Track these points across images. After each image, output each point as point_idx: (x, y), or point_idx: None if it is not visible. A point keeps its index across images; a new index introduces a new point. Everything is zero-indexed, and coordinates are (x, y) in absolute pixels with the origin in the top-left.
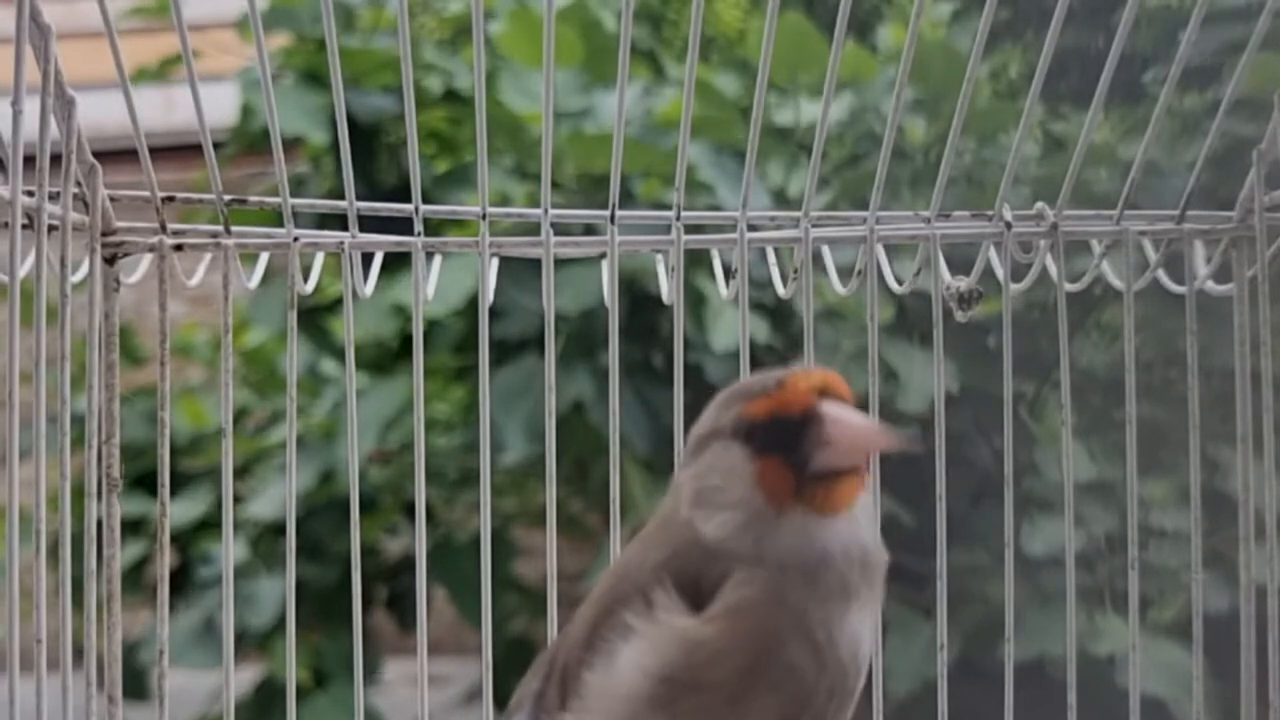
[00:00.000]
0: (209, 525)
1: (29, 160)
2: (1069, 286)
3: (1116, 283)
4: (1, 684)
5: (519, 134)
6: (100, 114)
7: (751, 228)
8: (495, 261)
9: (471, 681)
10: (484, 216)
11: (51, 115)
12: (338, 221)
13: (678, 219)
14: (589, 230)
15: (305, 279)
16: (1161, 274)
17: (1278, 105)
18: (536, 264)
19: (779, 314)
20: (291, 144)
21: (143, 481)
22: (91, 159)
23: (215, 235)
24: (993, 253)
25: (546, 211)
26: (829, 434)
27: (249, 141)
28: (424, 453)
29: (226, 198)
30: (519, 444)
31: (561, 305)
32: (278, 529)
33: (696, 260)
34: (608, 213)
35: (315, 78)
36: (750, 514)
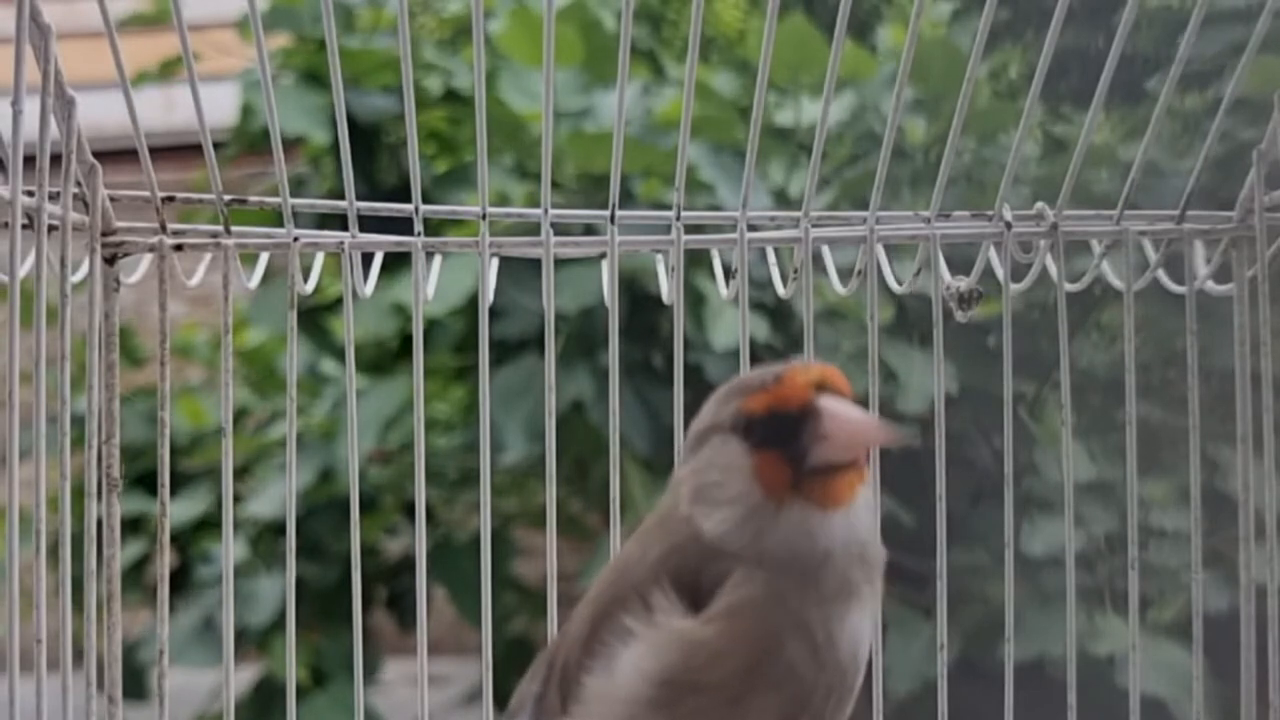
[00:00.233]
0: (209, 524)
1: (29, 160)
2: (1069, 286)
3: (1116, 283)
4: (1, 684)
5: (519, 133)
6: (100, 114)
7: (751, 228)
8: (495, 261)
9: (471, 681)
10: (484, 216)
11: (51, 115)
12: (338, 221)
13: (678, 219)
14: (589, 230)
15: (305, 279)
16: (1161, 274)
17: (1278, 106)
18: (536, 263)
19: (779, 314)
20: (291, 144)
21: (143, 481)
22: (91, 159)
23: (215, 235)
24: (993, 253)
25: (546, 211)
26: (826, 428)
27: (249, 142)
28: (424, 453)
29: (226, 198)
30: (519, 444)
31: (561, 305)
32: (278, 528)
33: (696, 259)
34: (608, 213)
35: (315, 78)
36: (749, 509)
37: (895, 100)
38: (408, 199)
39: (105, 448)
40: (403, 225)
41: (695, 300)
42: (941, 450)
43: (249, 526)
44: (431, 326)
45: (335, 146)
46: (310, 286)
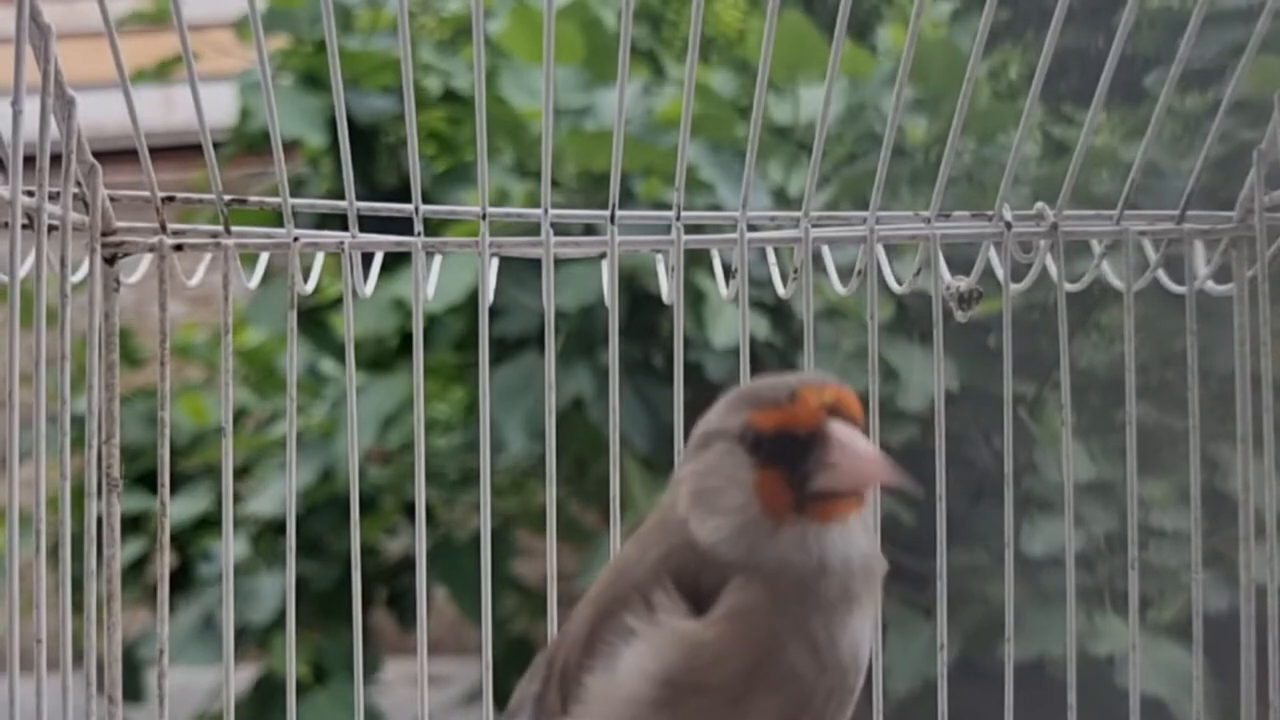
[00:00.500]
0: (209, 523)
1: (29, 160)
2: (1069, 286)
3: (1116, 283)
4: (1, 684)
5: (519, 133)
6: (100, 114)
7: (751, 228)
8: (495, 261)
9: (471, 681)
10: (484, 216)
11: (51, 115)
12: (337, 221)
13: (678, 219)
14: (589, 230)
15: (305, 279)
16: (1161, 274)
17: (1278, 106)
18: (537, 262)
19: (779, 312)
20: (290, 145)
21: (144, 480)
22: (91, 159)
23: (215, 235)
24: (993, 253)
25: (546, 211)
26: (834, 457)
27: (248, 142)
28: (424, 453)
29: (226, 198)
30: (519, 441)
31: (561, 302)
32: (278, 526)
33: (697, 258)
34: (608, 213)
35: (313, 80)
36: (745, 522)
37: (895, 100)
38: (407, 199)
39: (105, 448)
40: (403, 225)
41: (695, 299)
42: (941, 450)
43: (250, 525)
44: (432, 324)
45: (333, 148)
46: (310, 286)
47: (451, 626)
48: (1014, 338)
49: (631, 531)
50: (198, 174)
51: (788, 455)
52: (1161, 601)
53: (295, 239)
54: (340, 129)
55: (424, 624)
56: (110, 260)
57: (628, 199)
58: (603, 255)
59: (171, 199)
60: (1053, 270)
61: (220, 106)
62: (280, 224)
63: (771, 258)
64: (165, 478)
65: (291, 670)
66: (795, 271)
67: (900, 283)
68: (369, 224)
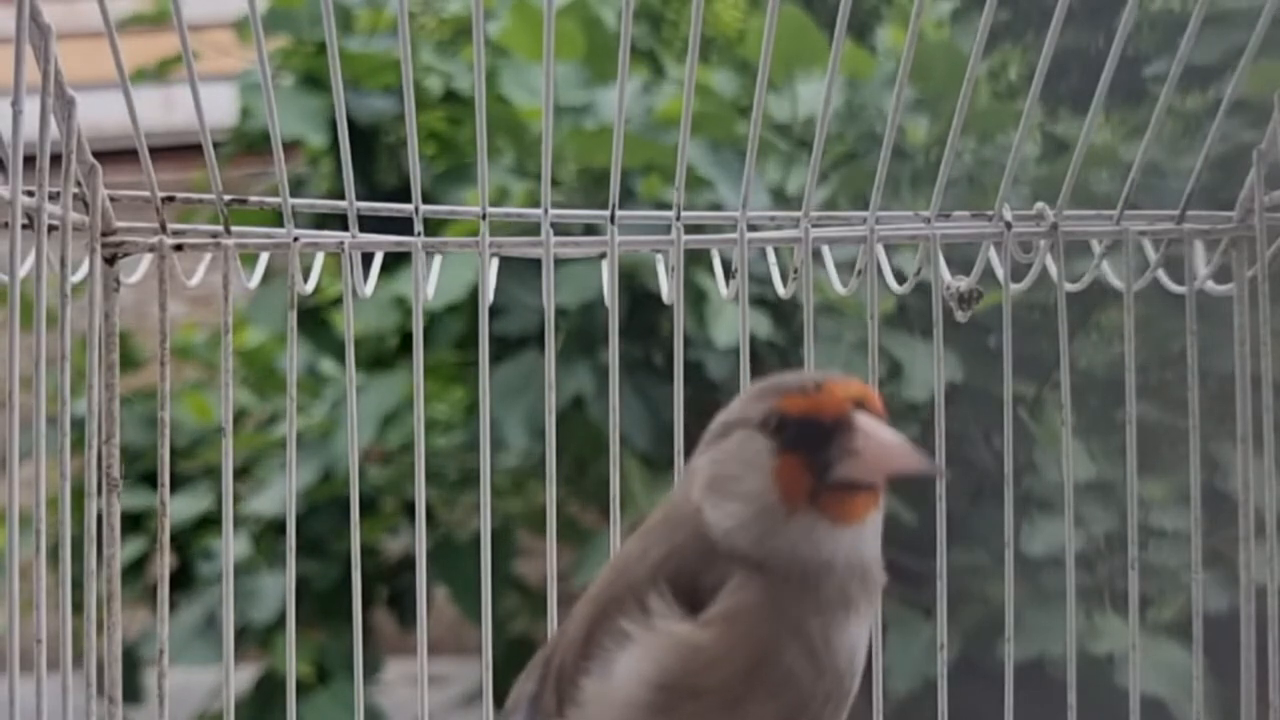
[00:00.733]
0: (210, 521)
1: (29, 160)
2: (1069, 286)
3: (1116, 283)
4: (1, 684)
5: (519, 133)
6: (100, 114)
7: (751, 227)
8: (495, 261)
9: (471, 681)
10: (484, 216)
11: (51, 115)
12: (338, 221)
13: (678, 219)
14: (589, 230)
15: (305, 279)
16: (1161, 274)
17: (1278, 106)
18: (537, 260)
19: (780, 310)
20: (290, 146)
21: (146, 478)
22: (91, 159)
23: (215, 235)
24: (993, 253)
25: (546, 212)
26: (859, 444)
27: (248, 142)
28: (424, 453)
29: (226, 198)
30: (520, 439)
31: (562, 301)
32: (279, 525)
33: (697, 256)
34: (608, 213)
35: (314, 80)
36: (760, 508)
37: (895, 100)
38: (408, 199)
39: (105, 448)
40: (403, 225)
41: (696, 297)
42: (941, 450)
43: (251, 524)
44: (432, 322)
45: (333, 149)
46: (310, 286)
47: (451, 626)
48: (1014, 338)
49: (632, 530)
50: (198, 174)
51: (811, 441)
52: (1161, 601)
53: (295, 239)
54: (340, 129)
55: (424, 624)
56: (110, 260)
57: (628, 198)
58: (603, 255)
59: (171, 199)
60: (1053, 270)
61: (220, 106)
62: (280, 224)
63: (771, 257)
64: (165, 478)
65: (291, 670)
66: (795, 271)
67: (901, 282)
68: (369, 224)
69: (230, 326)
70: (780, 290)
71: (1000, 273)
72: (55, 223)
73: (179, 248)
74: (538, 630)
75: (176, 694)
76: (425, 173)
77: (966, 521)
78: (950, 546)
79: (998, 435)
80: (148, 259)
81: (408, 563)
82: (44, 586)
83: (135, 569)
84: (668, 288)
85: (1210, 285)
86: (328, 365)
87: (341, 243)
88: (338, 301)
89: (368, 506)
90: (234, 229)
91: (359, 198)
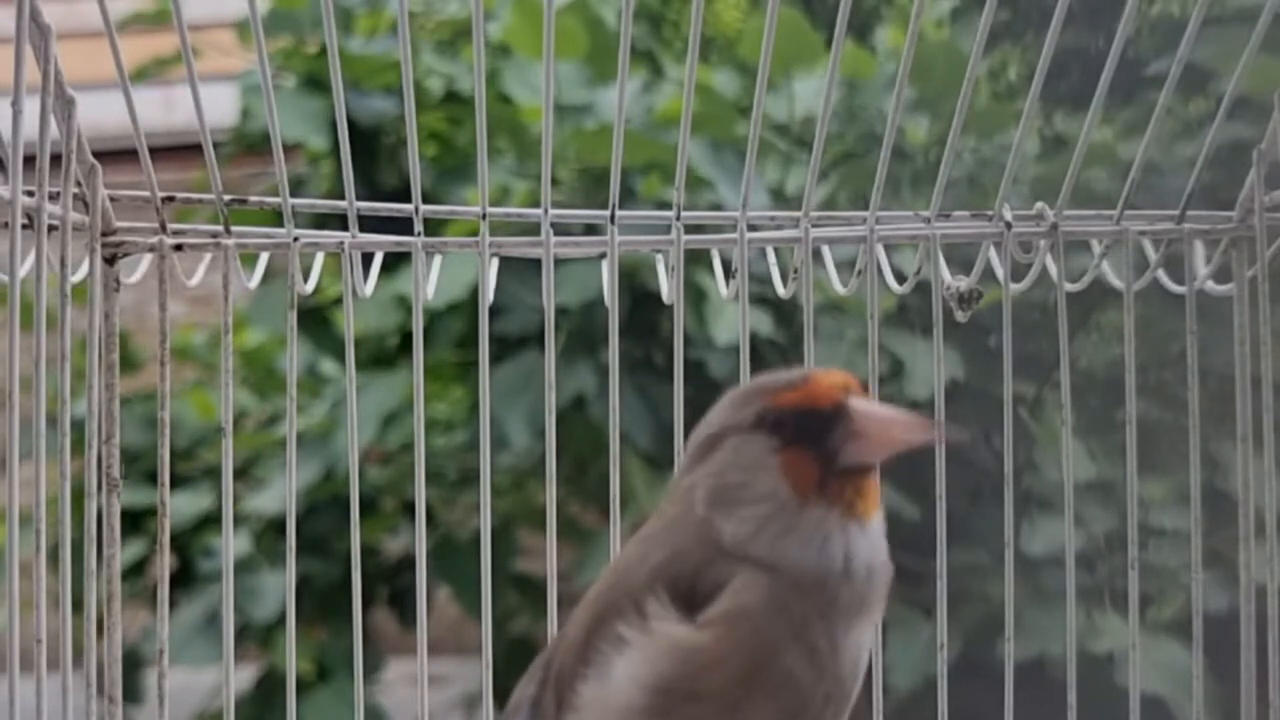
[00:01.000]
0: (211, 520)
1: (29, 160)
2: (1069, 286)
3: (1116, 283)
4: (1, 684)
5: (520, 133)
6: (100, 114)
7: (751, 227)
8: (495, 261)
9: (471, 681)
10: (484, 216)
11: (51, 115)
12: (338, 221)
13: (678, 219)
14: (589, 229)
15: (305, 279)
16: (1161, 274)
17: (1278, 105)
18: (537, 260)
19: (781, 308)
20: (290, 146)
21: (148, 476)
22: (91, 159)
23: (215, 235)
24: (993, 253)
25: (546, 212)
26: (861, 427)
27: (248, 142)
28: (424, 453)
29: (226, 198)
30: (521, 438)
31: (563, 300)
32: (280, 524)
33: (697, 255)
34: (608, 212)
35: (314, 82)
36: (775, 507)
37: (895, 100)
38: (408, 199)
39: (105, 448)
40: (403, 225)
41: (697, 297)
42: (941, 450)
43: (252, 522)
44: (432, 322)
45: (334, 150)
46: (310, 286)
47: (452, 626)
48: (1014, 337)
49: (633, 530)
50: (198, 174)
51: (812, 432)
52: (1161, 601)
53: (295, 239)
54: (340, 129)
55: (424, 624)
56: (110, 260)
57: (628, 198)
58: (603, 255)
59: (171, 199)
60: (1053, 270)
61: (220, 106)
62: (280, 224)
63: (771, 257)
64: (165, 477)
65: (291, 668)
66: (795, 271)
67: (901, 281)
68: (369, 224)
69: (230, 326)
70: (780, 290)
71: (1000, 273)
72: (55, 223)
73: (179, 248)
74: (538, 630)
75: (177, 693)
76: (426, 173)
77: (966, 521)
78: (950, 546)
79: (998, 435)
80: (148, 259)
81: (408, 562)
82: (44, 586)
83: (135, 569)
84: (668, 287)
85: (1210, 285)
86: (328, 365)
87: (341, 243)
88: (338, 301)
89: (368, 506)
90: (234, 229)
91: (359, 198)
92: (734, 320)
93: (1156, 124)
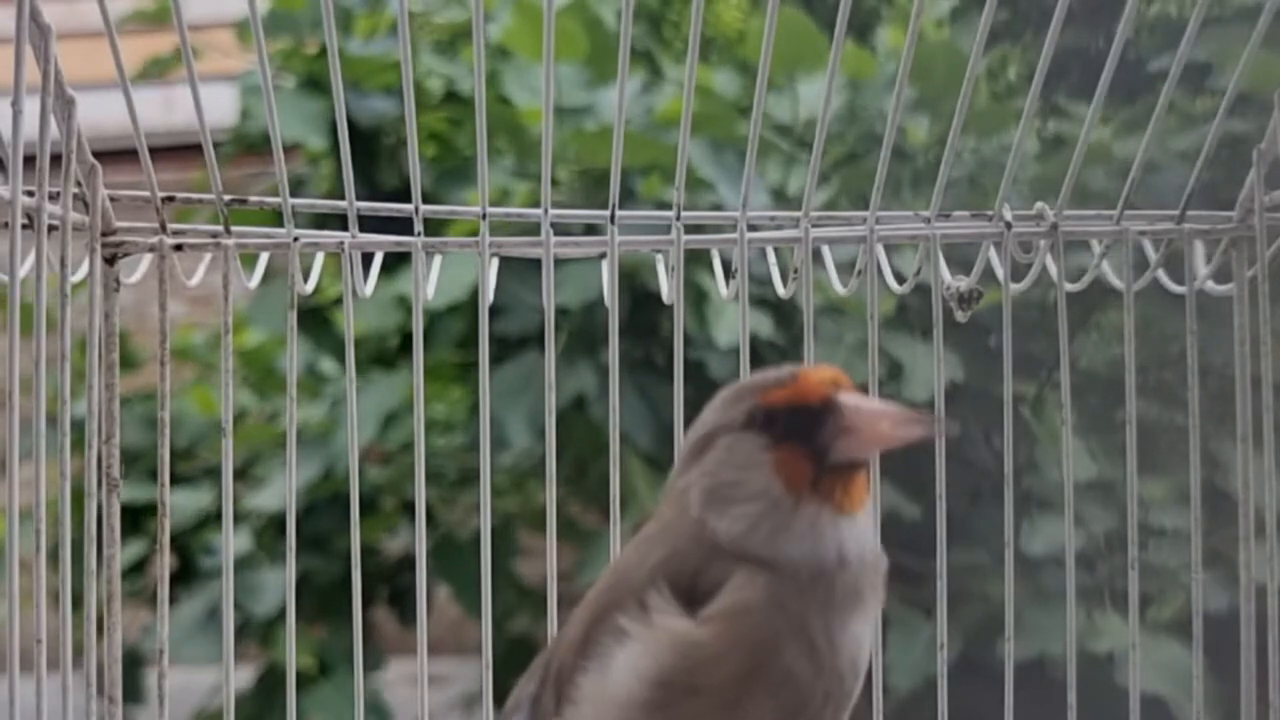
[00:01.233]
0: (212, 517)
1: (29, 160)
2: (1069, 286)
3: (1116, 283)
4: (1, 684)
5: (520, 134)
6: (100, 114)
7: (751, 227)
8: (495, 261)
9: (471, 681)
10: (484, 216)
11: (51, 115)
12: (338, 221)
13: (678, 219)
14: (589, 230)
15: (305, 279)
16: (1161, 274)
17: (1278, 105)
18: (537, 260)
19: (782, 309)
20: (290, 146)
21: (151, 474)
22: (91, 159)
23: (215, 235)
24: (993, 253)
25: (546, 212)
26: (851, 421)
27: (248, 143)
28: (424, 452)
29: (226, 198)
30: (521, 439)
31: (563, 300)
32: (281, 521)
33: (698, 256)
34: (608, 212)
35: (314, 84)
36: (768, 505)
37: (895, 100)
38: (408, 200)
39: (105, 448)
40: (403, 225)
41: (697, 297)
42: (941, 450)
43: (253, 519)
44: (432, 322)
45: (333, 151)
46: (310, 286)
47: (452, 626)
48: (1014, 338)
49: (633, 531)
50: (198, 174)
51: (803, 429)
52: (1161, 600)
53: (295, 239)
54: (340, 128)
55: (424, 624)
56: (110, 260)
57: (628, 198)
58: (603, 255)
59: (171, 199)
60: (1053, 270)
61: (220, 106)
62: (280, 224)
63: (771, 257)
64: (165, 478)
65: (292, 667)
66: (795, 271)
67: (901, 282)
68: (369, 224)
69: (230, 326)
70: (780, 290)
71: (1000, 273)
72: (55, 223)
73: (179, 248)
74: (538, 630)
75: (177, 692)
76: (425, 173)
77: (966, 521)
78: (950, 546)
79: (998, 435)
80: (148, 259)
81: (408, 561)
82: (44, 587)
83: (135, 568)
84: (668, 288)
85: (1210, 285)
86: (328, 365)
87: (341, 243)
88: (338, 301)
89: (368, 506)
90: (234, 229)
91: (359, 198)
92: (734, 321)
93: (1156, 124)
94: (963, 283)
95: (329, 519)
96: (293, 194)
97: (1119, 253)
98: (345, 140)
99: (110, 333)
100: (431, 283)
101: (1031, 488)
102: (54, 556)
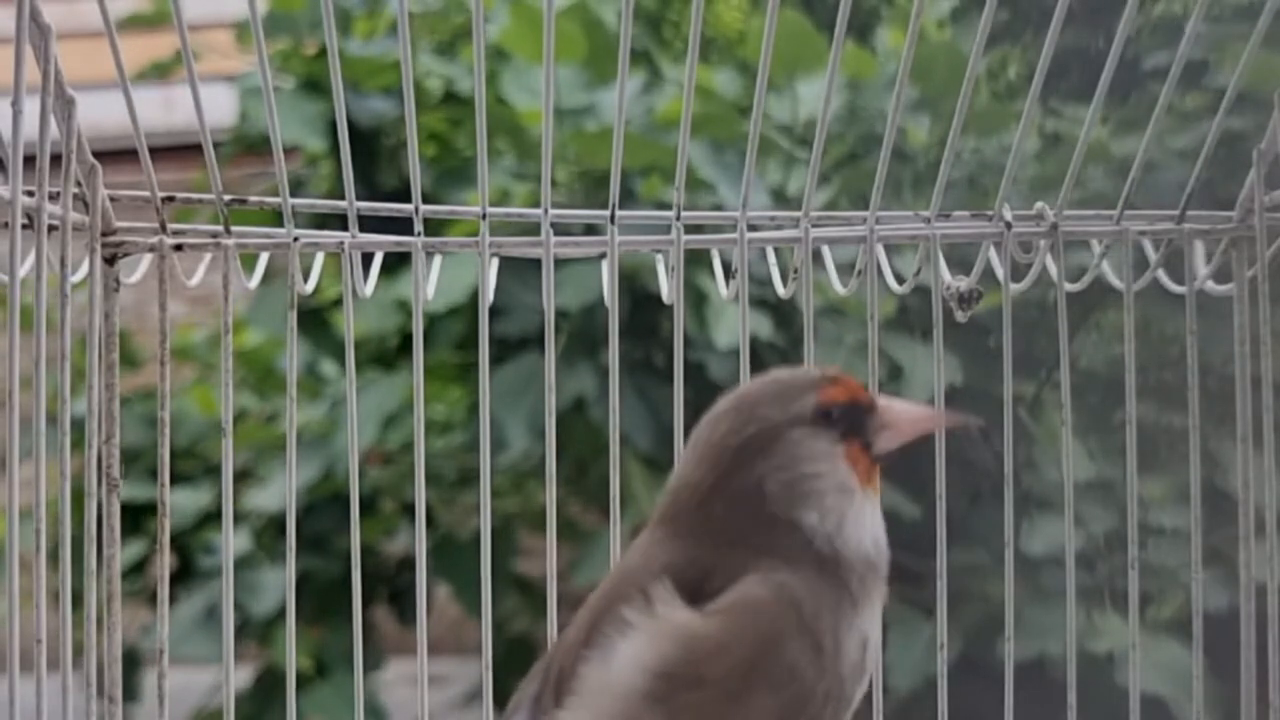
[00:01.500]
0: (212, 517)
1: (29, 160)
2: (1069, 286)
3: (1116, 283)
4: (1, 684)
5: (520, 135)
6: (100, 114)
7: (751, 228)
8: (495, 261)
9: (471, 681)
10: (484, 216)
11: (51, 115)
12: (338, 221)
13: (678, 219)
14: (589, 230)
15: (305, 279)
16: (1161, 274)
17: (1278, 104)
18: (538, 260)
19: (782, 310)
20: (289, 149)
21: (151, 473)
22: (91, 159)
23: (215, 235)
24: (993, 253)
25: (546, 212)
26: (891, 418)
27: (248, 143)
28: (424, 453)
29: (226, 198)
30: (521, 439)
31: (563, 301)
32: (281, 521)
33: (698, 257)
34: (608, 213)
35: (313, 85)
36: (848, 499)
37: (895, 100)
38: (408, 200)
39: (105, 448)
40: (403, 225)
41: (697, 298)
42: (941, 450)
43: (253, 519)
44: (432, 323)
45: (333, 152)
46: (310, 287)
47: (452, 626)
48: (1014, 338)
49: (633, 532)
50: (198, 174)
51: (858, 424)
52: (1161, 600)
53: (295, 239)
54: (340, 128)
55: (424, 624)
56: (110, 260)
57: (628, 198)
58: (603, 255)
59: (171, 199)
60: (1053, 270)
61: (220, 106)
62: (280, 224)
63: (771, 257)
64: (165, 478)
65: (291, 667)
66: (795, 271)
67: (901, 282)
68: (369, 224)
69: (230, 326)
70: (780, 291)
71: (1000, 273)
72: (55, 223)
73: (179, 248)
74: (538, 630)
75: (176, 692)
76: (425, 173)
77: (966, 521)
78: (950, 546)
79: (998, 435)
80: (148, 259)
81: (408, 561)
82: (44, 586)
83: (136, 567)
84: (668, 288)
85: (1210, 285)
86: (328, 365)
87: (341, 243)
88: (338, 302)
89: (367, 507)
90: (234, 229)
91: (359, 198)
92: (734, 323)
93: (1156, 124)
94: (963, 283)
95: (329, 519)
96: (292, 194)
97: (1119, 252)
98: (345, 140)
99: (110, 333)
100: (431, 283)
101: (1031, 488)
102: (54, 556)
